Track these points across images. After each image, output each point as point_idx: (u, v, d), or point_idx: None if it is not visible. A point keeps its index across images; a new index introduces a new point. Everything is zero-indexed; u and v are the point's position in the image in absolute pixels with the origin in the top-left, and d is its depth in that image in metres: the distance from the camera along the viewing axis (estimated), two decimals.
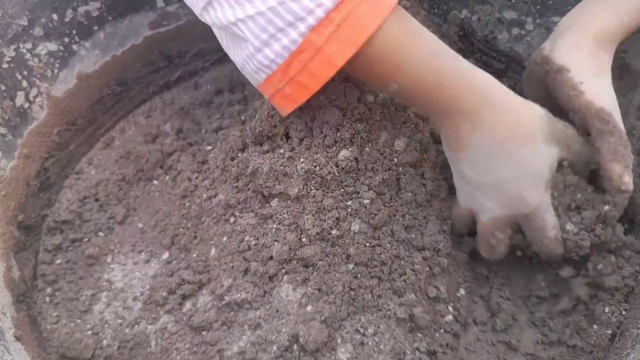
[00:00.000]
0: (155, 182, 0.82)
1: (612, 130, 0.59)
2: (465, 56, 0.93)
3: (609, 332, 0.63)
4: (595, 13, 0.65)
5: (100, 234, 0.78)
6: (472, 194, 0.62)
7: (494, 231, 0.62)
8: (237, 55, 0.59)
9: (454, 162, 0.62)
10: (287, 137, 0.68)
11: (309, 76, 0.55)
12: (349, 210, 0.64)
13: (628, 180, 0.59)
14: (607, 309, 0.64)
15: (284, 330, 0.62)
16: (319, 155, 0.65)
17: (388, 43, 0.55)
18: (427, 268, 0.65)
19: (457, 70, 0.57)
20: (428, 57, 0.56)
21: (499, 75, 0.87)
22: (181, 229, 0.75)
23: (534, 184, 0.57)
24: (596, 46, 0.63)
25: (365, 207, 0.63)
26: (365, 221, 0.64)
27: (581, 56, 0.62)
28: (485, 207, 0.61)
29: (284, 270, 0.64)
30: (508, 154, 0.57)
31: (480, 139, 0.57)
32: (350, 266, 0.63)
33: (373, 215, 0.63)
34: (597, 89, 0.61)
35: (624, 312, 0.64)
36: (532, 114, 0.58)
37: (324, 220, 0.63)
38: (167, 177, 0.82)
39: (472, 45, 0.90)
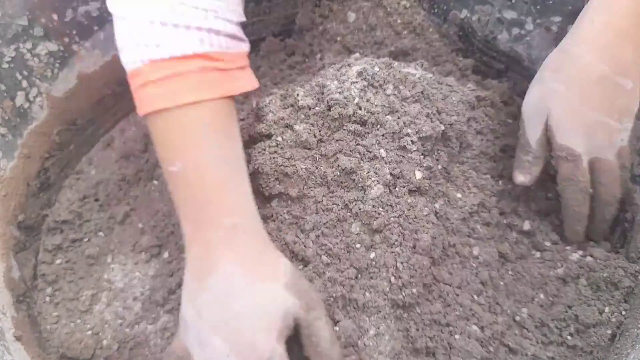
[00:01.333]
0: (155, 182, 0.82)
1: None
2: (465, 56, 0.93)
3: (609, 332, 0.63)
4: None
5: (100, 234, 0.78)
6: (204, 335, 0.51)
7: None
8: None
9: (194, 294, 0.53)
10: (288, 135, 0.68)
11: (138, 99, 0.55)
12: (349, 211, 0.64)
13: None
14: (607, 309, 0.64)
15: None
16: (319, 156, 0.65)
17: (178, 124, 0.54)
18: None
19: (221, 189, 0.54)
20: (200, 163, 0.54)
21: (498, 75, 0.88)
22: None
23: (267, 329, 0.50)
24: None
25: (367, 210, 0.63)
26: (365, 223, 0.64)
27: None
28: (221, 353, 0.50)
29: None
30: (248, 289, 0.52)
31: (225, 264, 0.52)
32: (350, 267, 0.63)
33: (374, 217, 0.63)
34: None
35: (623, 312, 0.64)
36: (278, 257, 0.56)
37: (324, 222, 0.63)
38: None
39: (472, 45, 0.90)
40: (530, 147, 0.65)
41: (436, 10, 0.92)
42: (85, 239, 0.77)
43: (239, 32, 0.59)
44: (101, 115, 0.87)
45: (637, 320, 0.62)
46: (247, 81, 0.59)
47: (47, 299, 0.72)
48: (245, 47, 0.60)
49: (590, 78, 0.61)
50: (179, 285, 0.69)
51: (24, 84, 0.74)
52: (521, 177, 0.66)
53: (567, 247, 0.70)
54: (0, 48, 0.71)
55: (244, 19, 0.59)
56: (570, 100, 0.61)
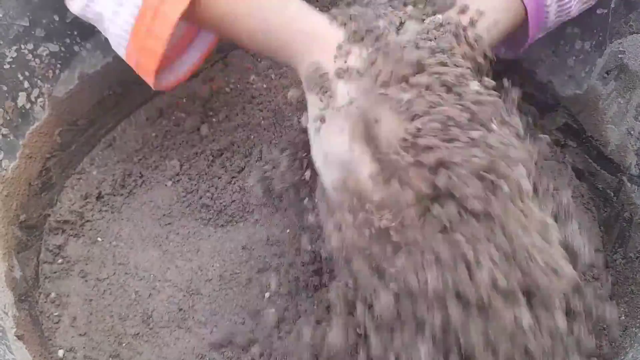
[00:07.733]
0: (157, 182, 0.82)
1: None
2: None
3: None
4: None
5: (102, 234, 0.78)
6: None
7: None
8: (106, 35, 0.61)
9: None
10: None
11: (153, 39, 0.56)
12: None
13: None
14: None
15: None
16: None
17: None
18: None
19: (281, 16, 0.56)
20: (253, 8, 0.56)
21: (498, 76, 0.88)
22: None
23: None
24: None
25: None
26: None
27: None
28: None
29: None
30: None
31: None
32: None
33: None
34: None
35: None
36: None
37: None
38: (169, 178, 0.82)
39: None
40: None
41: None
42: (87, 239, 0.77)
43: None
44: (102, 115, 0.87)
45: (637, 320, 0.62)
46: None
47: (49, 298, 0.73)
48: None
49: None
50: (178, 284, 0.69)
51: (26, 84, 0.75)
52: None
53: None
54: (2, 49, 0.71)
55: None
56: None
